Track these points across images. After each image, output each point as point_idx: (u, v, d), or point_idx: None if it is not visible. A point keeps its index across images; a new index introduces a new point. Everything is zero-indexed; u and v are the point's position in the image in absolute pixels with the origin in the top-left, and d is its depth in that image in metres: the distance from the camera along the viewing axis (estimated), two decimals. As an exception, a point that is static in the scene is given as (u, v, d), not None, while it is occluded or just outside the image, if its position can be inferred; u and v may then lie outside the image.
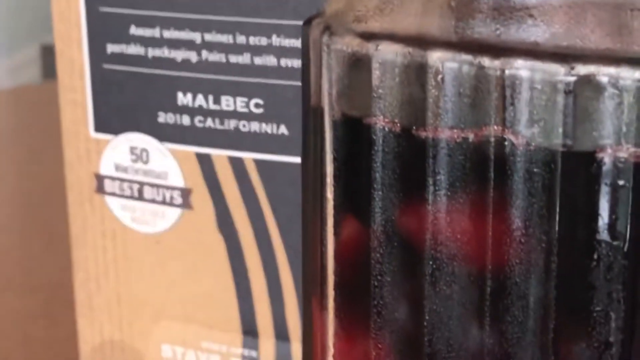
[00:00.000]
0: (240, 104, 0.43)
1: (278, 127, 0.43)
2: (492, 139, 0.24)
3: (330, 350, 0.27)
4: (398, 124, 0.25)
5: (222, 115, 0.43)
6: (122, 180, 0.46)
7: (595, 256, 0.24)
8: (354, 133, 0.26)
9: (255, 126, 0.43)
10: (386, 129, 0.26)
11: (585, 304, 0.24)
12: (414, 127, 0.25)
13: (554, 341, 0.24)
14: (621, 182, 0.24)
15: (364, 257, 0.26)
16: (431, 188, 0.25)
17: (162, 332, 0.46)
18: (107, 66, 0.45)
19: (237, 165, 0.44)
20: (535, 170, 0.24)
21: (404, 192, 0.26)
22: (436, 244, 0.25)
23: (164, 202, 0.45)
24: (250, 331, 0.45)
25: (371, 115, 0.26)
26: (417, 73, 0.25)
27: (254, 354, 0.45)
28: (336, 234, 0.27)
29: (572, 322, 0.24)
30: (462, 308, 0.25)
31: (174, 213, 0.45)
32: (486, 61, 0.24)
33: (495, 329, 0.25)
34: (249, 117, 0.43)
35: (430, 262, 0.25)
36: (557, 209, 0.24)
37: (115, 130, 0.45)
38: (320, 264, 0.27)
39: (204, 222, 0.45)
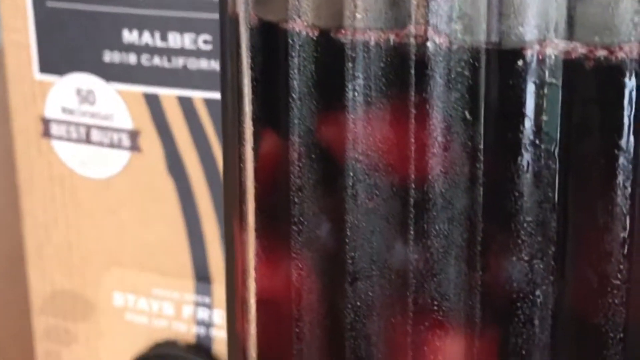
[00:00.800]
0: (188, 40, 0.41)
1: (227, 64, 0.41)
2: (413, 39, 0.23)
3: (252, 274, 0.25)
4: (316, 28, 0.24)
5: (170, 52, 0.42)
6: (68, 123, 0.44)
7: (524, 161, 0.22)
8: (271, 40, 0.24)
9: (204, 63, 0.41)
10: (303, 33, 0.24)
11: (514, 214, 0.23)
12: (332, 30, 0.23)
13: (482, 255, 0.23)
14: (550, 80, 0.22)
15: (283, 172, 0.24)
16: (350, 94, 0.23)
17: (113, 280, 0.44)
18: (50, 4, 0.43)
19: (186, 105, 0.42)
20: (458, 70, 0.22)
21: (323, 101, 0.24)
22: (356, 155, 0.23)
23: (112, 145, 0.43)
24: (202, 277, 0.43)
25: (288, 19, 0.24)
26: (335, -29, 0.23)
27: (207, 300, 0.43)
28: (255, 149, 0.25)
29: (500, 234, 0.23)
30: (384, 222, 0.23)
31: (122, 156, 0.43)
32: (406, -45, 0.23)
33: (419, 243, 0.23)
34: (198, 54, 0.41)
35: (351, 174, 0.24)
36: (482, 112, 0.22)
37: (61, 71, 0.43)
38: (239, 182, 0.25)
39: (154, 165, 0.43)
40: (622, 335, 0.23)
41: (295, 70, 0.24)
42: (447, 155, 0.23)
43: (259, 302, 0.25)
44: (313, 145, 0.24)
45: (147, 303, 0.44)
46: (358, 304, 0.24)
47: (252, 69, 0.25)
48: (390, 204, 0.23)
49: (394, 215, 0.23)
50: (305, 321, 0.25)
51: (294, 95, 0.24)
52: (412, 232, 0.23)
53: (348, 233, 0.24)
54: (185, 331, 0.44)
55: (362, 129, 0.23)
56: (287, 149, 0.24)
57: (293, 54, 0.24)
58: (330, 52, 0.24)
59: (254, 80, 0.25)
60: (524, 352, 0.23)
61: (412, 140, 0.23)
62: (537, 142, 0.22)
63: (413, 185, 0.23)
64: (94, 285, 0.45)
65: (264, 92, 0.25)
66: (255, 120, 0.25)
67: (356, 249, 0.24)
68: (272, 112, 0.25)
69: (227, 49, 0.26)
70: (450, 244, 0.23)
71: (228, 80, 0.26)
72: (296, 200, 0.24)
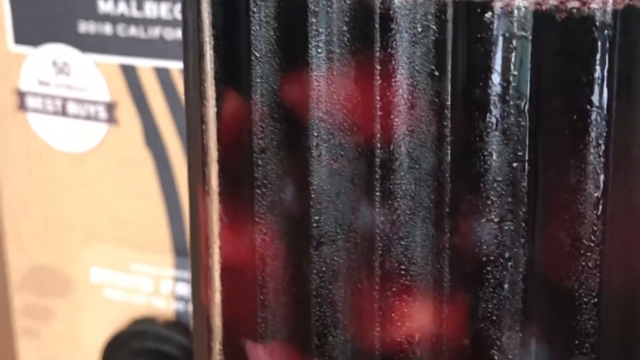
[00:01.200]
0: (164, 10, 0.40)
1: (205, 34, 0.40)
2: (378, -8, 0.22)
3: (215, 240, 0.24)
4: (278, -18, 0.23)
5: (146, 22, 0.41)
6: (44, 95, 0.43)
7: (493, 118, 0.21)
8: (232, -4, 0.24)
9: (180, 34, 0.40)
10: (265, -12, 0.23)
11: (483, 174, 0.22)
12: (295, -16, 0.23)
13: (450, 216, 0.22)
14: (520, 33, 0.21)
15: (246, 133, 0.24)
16: (313, 51, 0.22)
17: (91, 255, 0.44)
18: (24, -26, 0.42)
19: (164, 76, 0.41)
20: (424, 24, 0.21)
21: (286, 58, 0.23)
22: (320, 114, 0.23)
23: (88, 118, 0.43)
24: (182, 251, 0.42)
25: (249, -26, 0.23)
26: None
27: (186, 275, 0.42)
28: (217, 109, 0.24)
29: (469, 195, 0.22)
30: (350, 184, 0.23)
31: (99, 129, 0.42)
32: None
33: (385, 205, 0.22)
34: (174, 24, 0.40)
35: (315, 134, 0.23)
36: (450, 68, 0.21)
37: (35, 42, 0.42)
38: (201, 145, 0.24)
39: (131, 138, 0.42)
40: (596, 299, 0.22)
41: (257, 27, 0.23)
42: (413, 113, 0.22)
43: (222, 269, 0.24)
44: (276, 105, 0.23)
45: (125, 279, 0.43)
46: (323, 269, 0.23)
47: (213, 26, 0.24)
48: (355, 164, 0.22)
49: (360, 177, 0.22)
50: (270, 288, 0.24)
51: (256, 52, 0.23)
52: (378, 194, 0.22)
53: (312, 195, 0.23)
54: (165, 307, 0.43)
55: (326, 87, 0.22)
56: (250, 109, 0.23)
57: (255, 9, 0.23)
58: (292, 7, 0.23)
59: (215, 37, 0.24)
60: (494, 317, 0.22)
61: (378, 98, 0.22)
62: (506, 98, 0.21)
63: (379, 145, 0.22)
64: (72, 261, 0.44)
65: (226, 50, 0.24)
66: (217, 80, 0.24)
67: (321, 212, 0.23)
68: (234, 71, 0.24)
69: (188, 6, 0.25)
70: (418, 206, 0.22)
71: (189, 39, 0.25)
72: (259, 162, 0.23)
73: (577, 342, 0.22)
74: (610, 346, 0.22)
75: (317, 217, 0.23)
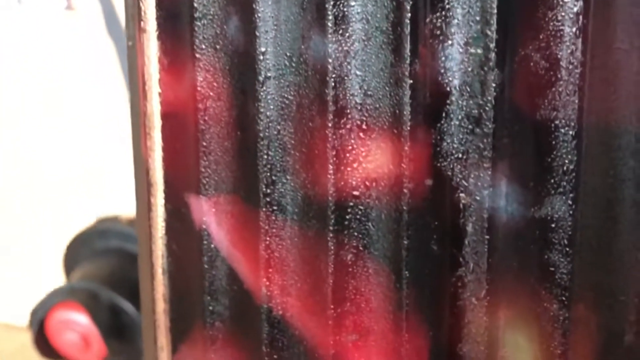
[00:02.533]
0: None
1: None
2: None
3: (155, 85, 0.22)
4: None
5: None
6: (-2, -18, 0.40)
7: None
8: None
9: None
10: None
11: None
12: None
13: (410, 40, 0.19)
14: None
15: (184, -41, 0.21)
16: None
17: (53, 147, 0.41)
18: None
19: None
20: None
21: None
22: None
23: (45, 5, 0.40)
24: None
25: None
26: None
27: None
28: None
29: (432, 13, 0.19)
30: (298, 8, 0.20)
31: (57, 16, 0.40)
32: None
33: (339, 31, 0.20)
34: None
35: (259, -46, 0.20)
36: None
37: None
38: (136, -24, 0.22)
39: (92, 26, 0.40)
40: (574, 131, 0.19)
41: None
42: None
43: (162, 116, 0.22)
44: None
45: (88, 174, 0.41)
46: (271, 107, 0.20)
47: None
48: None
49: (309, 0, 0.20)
50: (213, 133, 0.21)
51: None
52: (330, 18, 0.20)
53: (258, 25, 0.20)
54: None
55: None
56: None
57: None
58: None
59: None
60: (460, 154, 0.20)
61: None
62: None
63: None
64: (35, 153, 0.42)
65: None
66: None
67: (267, 43, 0.20)
68: None
69: None
70: (374, 30, 0.19)
71: None
72: (200, -9, 0.21)
73: (553, 180, 0.19)
74: (591, 185, 0.19)
75: (263, 49, 0.20)
